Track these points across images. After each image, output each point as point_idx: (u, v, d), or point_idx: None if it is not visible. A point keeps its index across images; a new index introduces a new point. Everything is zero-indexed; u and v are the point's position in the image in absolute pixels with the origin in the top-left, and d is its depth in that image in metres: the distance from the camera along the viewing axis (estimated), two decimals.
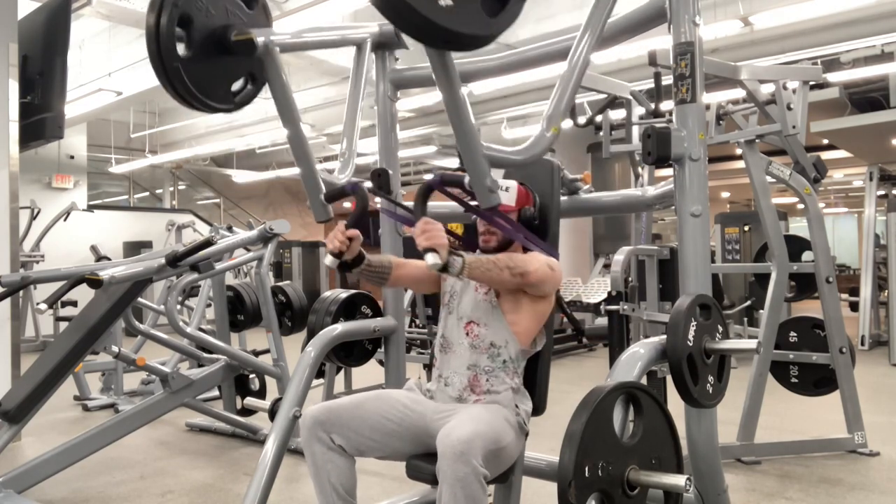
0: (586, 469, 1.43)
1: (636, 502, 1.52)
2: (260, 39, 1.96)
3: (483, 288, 2.06)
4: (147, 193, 15.29)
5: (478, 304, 2.05)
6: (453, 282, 2.14)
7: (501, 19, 1.50)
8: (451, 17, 1.39)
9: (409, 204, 2.01)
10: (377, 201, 2.37)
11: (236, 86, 2.09)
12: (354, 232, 1.91)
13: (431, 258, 1.66)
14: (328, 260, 1.92)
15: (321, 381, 4.58)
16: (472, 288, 2.08)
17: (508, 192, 2.14)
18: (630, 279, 3.83)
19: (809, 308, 4.63)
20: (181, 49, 1.88)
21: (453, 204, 2.17)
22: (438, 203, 2.63)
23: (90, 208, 10.69)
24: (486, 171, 1.91)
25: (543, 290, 2.01)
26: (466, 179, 1.90)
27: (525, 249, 2.15)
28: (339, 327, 2.51)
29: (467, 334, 2.04)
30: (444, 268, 1.70)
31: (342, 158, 2.46)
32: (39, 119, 4.35)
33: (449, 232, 2.13)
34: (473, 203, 2.02)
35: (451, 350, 2.06)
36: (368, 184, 2.15)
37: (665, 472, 1.57)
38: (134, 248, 9.55)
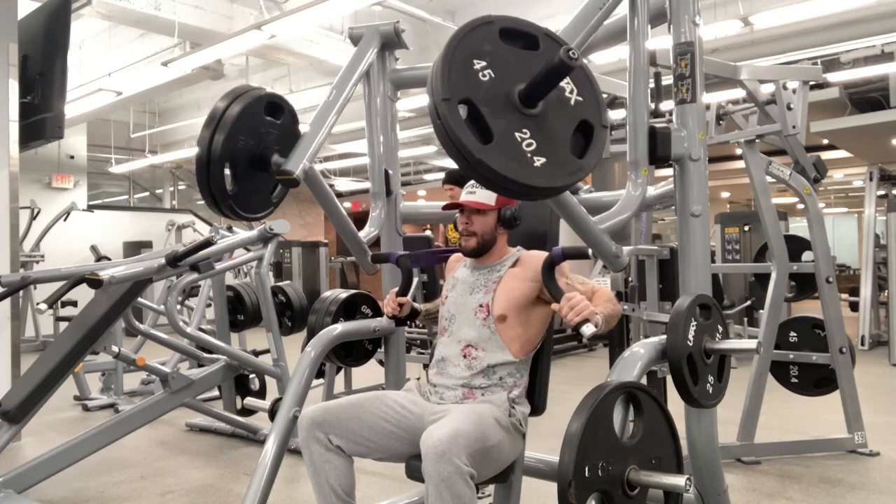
0: (586, 469, 1.43)
1: (636, 502, 1.52)
2: (298, 172, 2.07)
3: (482, 313, 2.06)
4: (147, 193, 15.30)
5: (477, 330, 2.05)
6: (451, 307, 2.15)
7: (589, 157, 1.58)
8: (547, 172, 1.47)
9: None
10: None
11: (275, 192, 2.28)
12: (404, 299, 2.22)
13: (588, 329, 1.73)
14: (385, 320, 2.41)
15: (321, 381, 4.58)
16: (471, 312, 2.08)
17: (488, 191, 2.11)
18: (630, 279, 3.83)
19: (809, 308, 4.64)
20: (229, 185, 2.07)
21: (433, 203, 2.23)
22: (439, 203, 2.63)
23: (90, 208, 10.69)
24: (610, 243, 2.05)
25: None
26: (590, 251, 1.97)
27: (511, 245, 2.17)
28: (339, 327, 2.51)
29: (465, 357, 2.04)
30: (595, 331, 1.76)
31: (374, 212, 2.58)
32: (39, 119, 4.35)
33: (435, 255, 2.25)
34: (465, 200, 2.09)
35: (447, 372, 2.06)
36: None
37: (665, 472, 1.57)
38: (134, 248, 9.55)
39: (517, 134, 1.46)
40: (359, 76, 2.46)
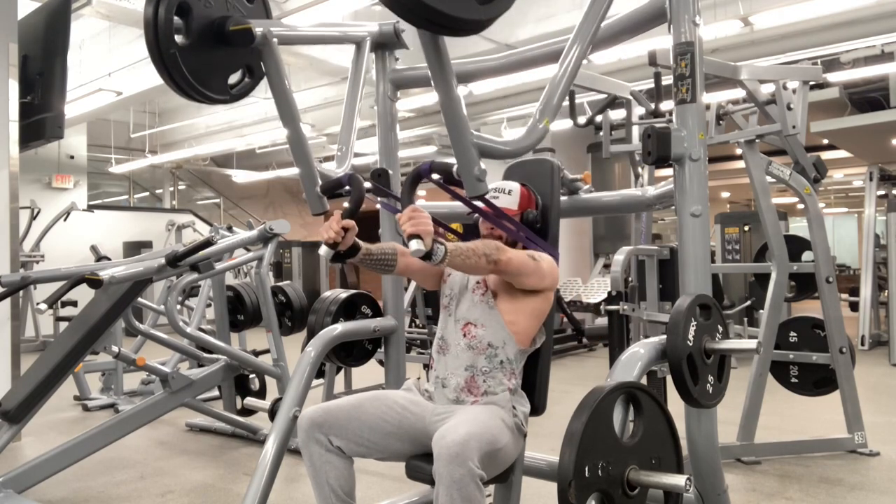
0: (586, 469, 1.43)
1: (636, 502, 1.52)
2: (258, 30, 1.96)
3: (480, 289, 2.06)
4: (147, 193, 15.29)
5: (475, 306, 2.05)
6: (453, 284, 2.14)
7: (492, 7, 1.51)
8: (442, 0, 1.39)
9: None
10: (377, 201, 2.37)
11: (234, 78, 2.09)
12: (350, 222, 1.87)
13: (415, 244, 1.64)
14: (322, 251, 1.87)
15: (321, 381, 4.58)
16: (469, 290, 2.09)
17: (511, 196, 2.15)
18: (630, 279, 3.83)
19: (809, 308, 4.63)
20: (179, 38, 1.88)
21: (454, 203, 2.17)
22: (439, 203, 2.63)
23: (90, 208, 10.68)
24: (476, 159, 1.90)
25: (525, 281, 1.97)
26: (455, 167, 1.89)
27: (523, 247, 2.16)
28: (339, 327, 2.51)
29: (465, 335, 2.04)
30: (428, 255, 1.68)
31: (339, 153, 2.44)
32: (39, 119, 4.35)
33: (446, 228, 2.14)
34: (478, 203, 2.03)
35: (449, 351, 2.06)
36: (368, 184, 2.16)
37: (665, 472, 1.57)
38: (134, 248, 9.55)
39: None
40: (364, 79, 2.44)
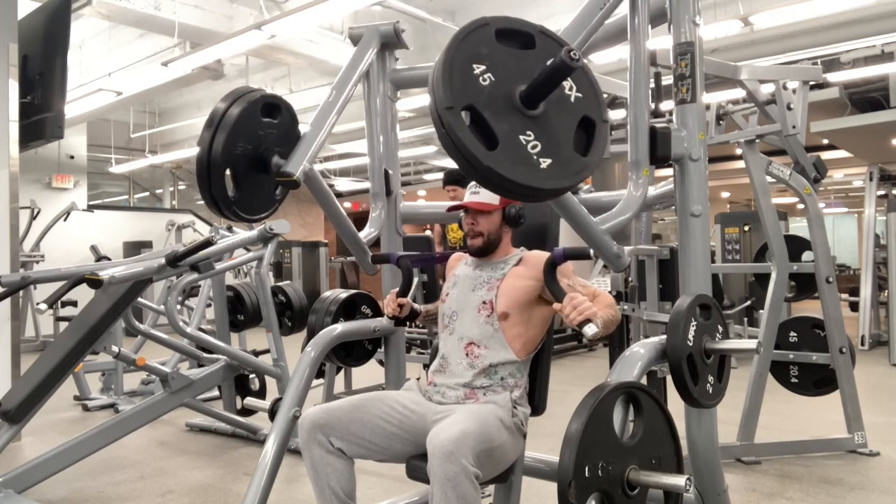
0: (586, 469, 1.43)
1: (636, 502, 1.52)
2: (298, 174, 2.09)
3: (486, 310, 2.05)
4: (147, 193, 15.30)
5: (480, 327, 2.04)
6: (451, 304, 2.14)
7: (593, 154, 1.58)
8: (553, 173, 1.48)
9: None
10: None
11: (278, 190, 2.28)
12: (405, 300, 2.22)
13: (590, 330, 1.71)
14: (385, 321, 2.42)
15: (321, 381, 4.58)
16: (474, 308, 2.07)
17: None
18: (630, 279, 3.83)
19: (809, 308, 4.63)
20: (231, 190, 2.08)
21: (437, 203, 2.22)
22: (430, 203, 2.65)
23: (90, 208, 10.69)
24: (612, 243, 2.07)
25: None
26: (591, 252, 1.97)
27: (515, 245, 2.17)
28: (339, 327, 2.51)
29: (467, 355, 2.03)
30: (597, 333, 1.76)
31: (374, 214, 2.61)
32: (39, 119, 4.35)
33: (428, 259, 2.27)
34: (467, 201, 2.08)
35: (449, 370, 2.06)
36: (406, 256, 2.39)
37: (665, 472, 1.57)
38: (134, 248, 9.55)
39: (521, 137, 1.46)
40: (358, 76, 2.46)
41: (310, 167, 2.14)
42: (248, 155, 2.10)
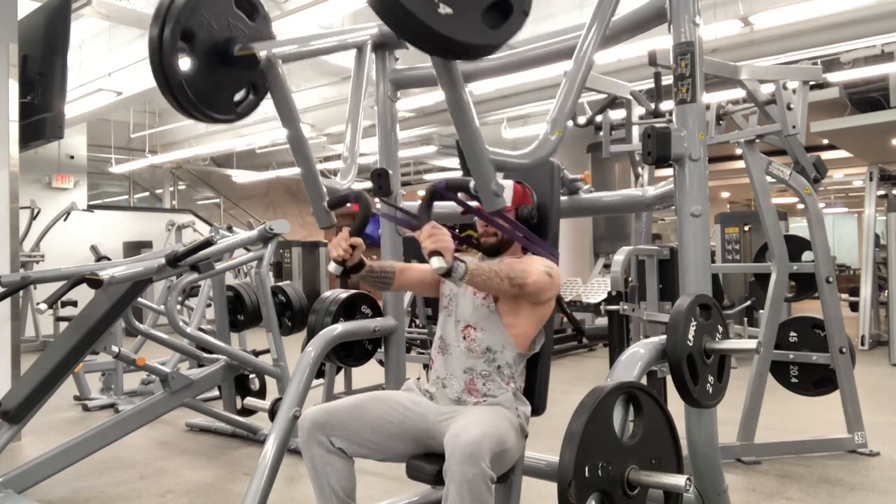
0: (586, 469, 1.43)
1: (636, 502, 1.52)
2: (262, 53, 1.97)
3: (482, 293, 2.06)
4: (147, 193, 15.30)
5: (476, 309, 2.05)
6: (452, 285, 2.14)
7: (502, 31, 1.50)
8: (451, 25, 1.39)
9: (409, 205, 2.00)
10: (378, 204, 2.38)
11: (238, 96, 2.10)
12: (357, 240, 1.96)
13: (437, 262, 1.67)
14: (332, 267, 1.98)
15: (321, 381, 4.58)
16: (470, 292, 2.08)
17: (504, 192, 2.14)
18: (630, 279, 3.83)
19: (809, 308, 4.63)
20: (184, 63, 1.88)
21: (451, 204, 2.17)
22: (438, 203, 2.63)
23: (90, 208, 10.68)
24: (492, 175, 1.90)
25: (542, 298, 2.02)
26: (472, 184, 1.90)
27: (524, 249, 2.16)
28: (339, 327, 2.51)
29: (464, 338, 2.04)
30: (448, 272, 1.71)
31: (344, 163, 2.44)
32: (39, 119, 4.35)
33: (462, 239, 2.16)
34: (472, 203, 2.03)
35: (449, 353, 2.07)
36: (368, 184, 2.17)
37: (665, 472, 1.57)
38: (134, 248, 9.55)
39: None
40: (366, 81, 2.44)
41: (277, 58, 1.98)
42: (212, 34, 1.91)
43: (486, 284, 1.84)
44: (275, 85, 2.07)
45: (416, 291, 2.35)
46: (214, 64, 1.94)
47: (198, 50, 1.89)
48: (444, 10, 1.38)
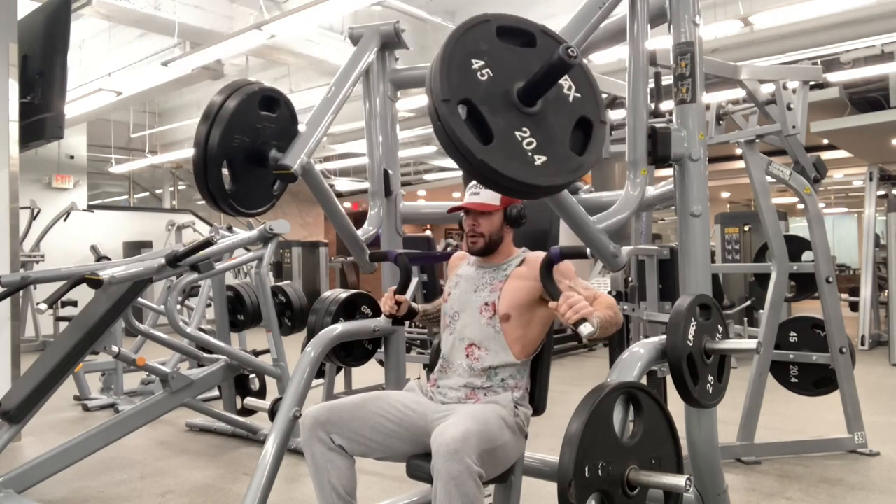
0: (586, 469, 1.43)
1: (636, 502, 1.52)
2: (296, 167, 2.07)
3: (488, 311, 2.05)
4: (147, 193, 15.30)
5: (481, 328, 2.04)
6: (453, 303, 2.14)
7: (589, 154, 1.58)
8: (547, 172, 1.47)
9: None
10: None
11: (273, 182, 2.27)
12: (402, 298, 2.18)
13: (586, 329, 1.70)
14: (383, 319, 2.40)
15: (321, 381, 4.58)
16: (476, 310, 2.07)
17: (492, 192, 2.11)
18: (630, 279, 3.83)
19: (809, 308, 4.63)
20: (228, 183, 2.06)
21: (438, 204, 2.22)
22: (430, 203, 2.65)
23: (90, 208, 10.68)
24: (608, 242, 2.07)
25: None
26: (588, 250, 1.97)
27: (516, 245, 2.16)
28: (339, 327, 2.51)
29: (467, 356, 2.04)
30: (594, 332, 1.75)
31: (372, 211, 2.61)
32: (39, 119, 4.34)
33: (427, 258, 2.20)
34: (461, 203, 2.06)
35: (451, 369, 2.07)
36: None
37: (665, 472, 1.57)
38: (134, 248, 9.55)
39: (517, 133, 1.46)
40: (358, 75, 2.46)
41: (308, 161, 2.12)
42: (246, 148, 2.07)
43: (605, 332, 1.87)
44: (313, 184, 2.26)
45: None
46: (253, 171, 2.12)
47: (237, 169, 2.07)
48: (539, 159, 1.46)
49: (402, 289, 2.24)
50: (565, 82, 1.57)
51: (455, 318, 2.12)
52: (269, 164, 2.10)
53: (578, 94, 1.59)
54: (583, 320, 1.70)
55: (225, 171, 2.09)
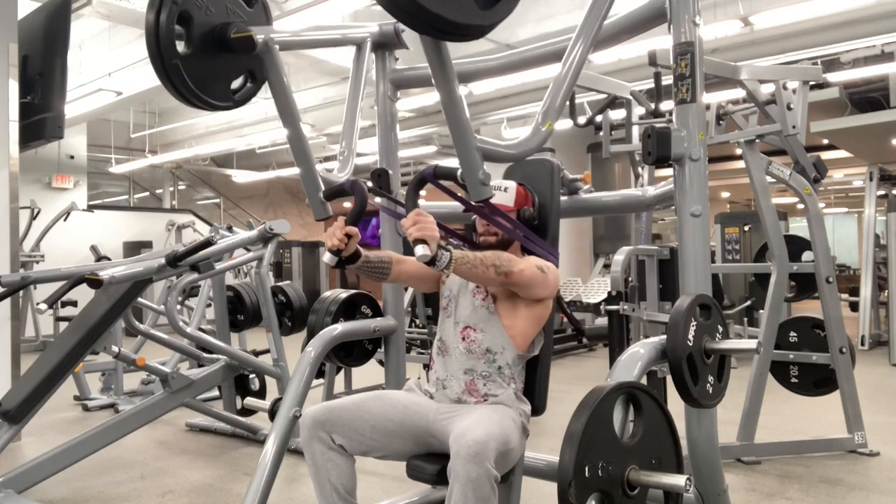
0: (586, 469, 1.43)
1: (636, 502, 1.52)
2: (259, 37, 1.96)
3: (481, 293, 2.06)
4: (147, 193, 15.29)
5: (475, 310, 2.05)
6: (451, 286, 2.14)
7: (493, 13, 1.50)
8: (442, 3, 1.38)
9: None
10: (377, 201, 2.38)
11: (235, 84, 2.09)
12: (353, 229, 1.89)
13: (421, 249, 1.65)
14: (326, 257, 1.91)
15: (321, 381, 4.58)
16: (470, 293, 2.08)
17: (507, 193, 2.15)
18: (630, 279, 3.82)
19: (809, 308, 4.63)
20: (181, 46, 1.87)
21: (453, 204, 2.17)
22: (438, 203, 2.63)
23: (90, 208, 10.68)
24: (479, 163, 1.90)
25: (532, 293, 1.98)
26: (459, 172, 1.89)
27: (524, 250, 2.16)
28: (339, 327, 2.51)
29: (464, 339, 2.04)
30: (433, 260, 1.68)
31: (341, 157, 2.46)
32: (39, 119, 4.34)
33: (450, 232, 2.14)
34: (476, 203, 2.03)
35: (448, 354, 2.07)
36: (369, 183, 2.16)
37: (665, 472, 1.57)
38: (134, 248, 9.55)
39: None
40: (351, 33, 2.42)
41: (274, 43, 1.96)
42: (209, 18, 1.89)
43: (470, 273, 1.80)
44: (272, 71, 2.06)
45: (413, 285, 2.32)
46: (211, 48, 1.92)
47: (195, 34, 1.87)
48: None
49: (354, 219, 1.91)
50: None
51: (452, 300, 2.13)
52: (229, 39, 1.90)
53: None
54: (422, 241, 1.65)
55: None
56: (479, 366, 2.00)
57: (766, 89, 3.41)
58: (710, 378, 1.82)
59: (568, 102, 3.61)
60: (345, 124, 2.48)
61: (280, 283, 4.55)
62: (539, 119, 2.02)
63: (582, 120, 3.88)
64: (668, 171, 2.12)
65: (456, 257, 1.73)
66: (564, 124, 4.64)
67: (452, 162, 1.98)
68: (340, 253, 1.89)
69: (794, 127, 3.35)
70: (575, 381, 5.81)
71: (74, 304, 6.16)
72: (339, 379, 4.92)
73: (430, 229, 1.67)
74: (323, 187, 2.23)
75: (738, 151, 3.49)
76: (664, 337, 1.79)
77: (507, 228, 2.08)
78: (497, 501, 1.69)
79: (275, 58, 2.04)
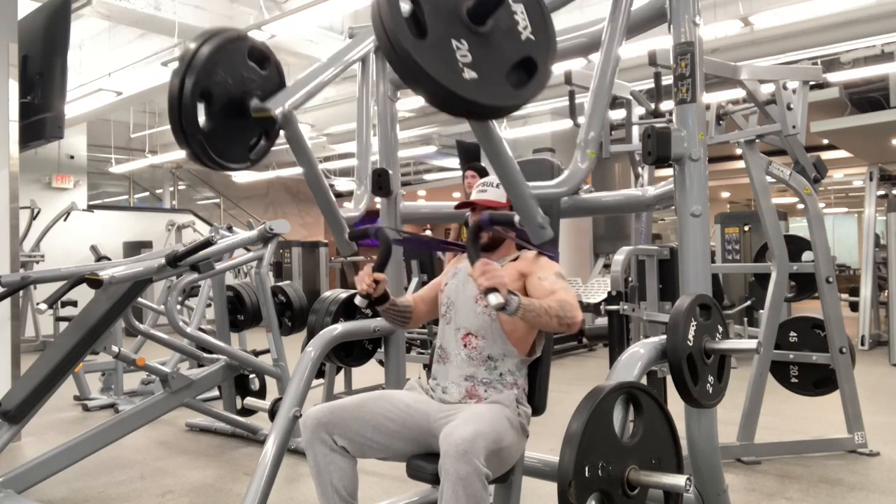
0: (586, 469, 1.43)
1: (636, 502, 1.52)
2: (278, 112, 2.00)
3: (483, 301, 2.05)
4: (147, 193, 15.30)
5: (477, 316, 2.04)
6: (450, 293, 2.14)
7: (526, 91, 1.53)
8: (477, 89, 1.41)
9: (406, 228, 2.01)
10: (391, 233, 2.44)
11: (251, 142, 2.16)
12: (381, 276, 2.03)
13: (494, 298, 1.67)
14: (358, 300, 2.06)
15: (321, 381, 4.58)
16: (471, 300, 2.07)
17: (499, 189, 2.14)
18: (630, 279, 3.82)
19: (809, 308, 4.63)
20: (202, 120, 1.92)
21: (445, 203, 2.19)
22: (431, 203, 2.64)
23: (90, 208, 10.68)
24: (536, 210, 1.94)
25: None
26: (517, 218, 1.91)
27: (519, 247, 2.16)
28: (339, 327, 2.51)
29: (465, 346, 2.03)
30: (503, 307, 1.71)
31: (357, 190, 2.51)
32: (39, 119, 4.35)
33: (445, 243, 2.14)
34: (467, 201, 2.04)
35: (449, 360, 2.06)
36: (393, 233, 2.24)
37: (665, 472, 1.57)
38: (134, 248, 9.55)
39: (454, 41, 1.40)
40: (353, 56, 2.42)
41: (291, 110, 2.01)
42: (227, 91, 1.93)
43: (535, 321, 1.84)
44: (292, 136, 2.14)
45: (431, 318, 2.37)
46: (231, 119, 1.99)
47: (215, 108, 1.94)
48: (469, 74, 1.40)
49: (380, 265, 2.06)
50: (522, 21, 1.52)
51: (450, 307, 2.12)
52: (250, 112, 1.96)
53: (533, 37, 1.54)
54: (493, 289, 1.67)
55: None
56: (480, 372, 2.00)
57: (766, 89, 3.41)
58: (710, 378, 1.82)
59: (568, 103, 3.64)
60: (358, 153, 2.52)
61: (280, 283, 4.56)
62: (578, 154, 2.09)
63: (582, 120, 3.87)
64: (668, 171, 2.12)
65: (524, 304, 1.76)
66: (564, 124, 4.62)
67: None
68: (370, 296, 2.05)
69: (794, 127, 3.35)
70: (575, 381, 5.81)
71: (74, 304, 6.16)
72: (339, 379, 4.92)
73: (499, 277, 1.70)
74: (346, 226, 2.35)
75: (738, 151, 3.49)
76: (664, 337, 1.79)
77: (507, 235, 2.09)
78: (489, 499, 1.69)
79: (294, 126, 2.11)
